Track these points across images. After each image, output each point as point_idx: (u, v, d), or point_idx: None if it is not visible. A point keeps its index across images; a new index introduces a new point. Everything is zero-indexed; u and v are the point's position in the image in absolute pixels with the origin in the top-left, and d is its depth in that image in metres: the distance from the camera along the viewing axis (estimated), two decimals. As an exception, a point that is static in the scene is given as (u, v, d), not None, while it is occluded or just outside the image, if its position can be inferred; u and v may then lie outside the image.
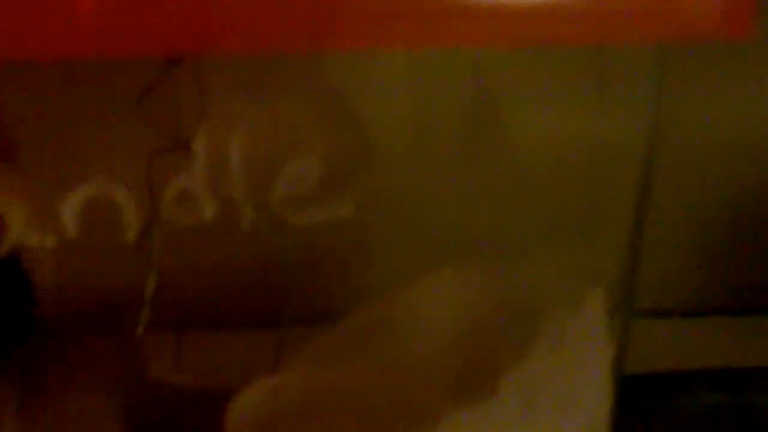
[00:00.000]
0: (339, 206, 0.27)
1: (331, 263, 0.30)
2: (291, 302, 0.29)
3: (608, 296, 0.28)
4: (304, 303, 0.30)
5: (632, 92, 0.29)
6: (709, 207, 0.51)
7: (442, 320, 0.30)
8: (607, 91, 0.28)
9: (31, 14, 0.20)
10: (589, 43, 0.25)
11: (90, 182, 0.24)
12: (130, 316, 0.26)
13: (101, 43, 0.20)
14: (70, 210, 0.24)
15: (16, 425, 0.27)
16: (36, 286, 0.27)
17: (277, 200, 0.26)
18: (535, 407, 0.27)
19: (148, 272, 0.26)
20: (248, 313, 0.30)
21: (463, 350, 0.30)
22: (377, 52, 0.25)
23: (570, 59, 0.28)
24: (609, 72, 0.28)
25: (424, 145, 0.30)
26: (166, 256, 0.26)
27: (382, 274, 0.30)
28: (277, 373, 0.28)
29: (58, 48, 0.20)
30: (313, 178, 0.27)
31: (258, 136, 0.27)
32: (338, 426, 0.28)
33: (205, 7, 0.20)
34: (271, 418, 0.28)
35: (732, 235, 0.50)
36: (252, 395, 0.28)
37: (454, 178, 0.30)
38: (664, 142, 0.29)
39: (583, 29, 0.23)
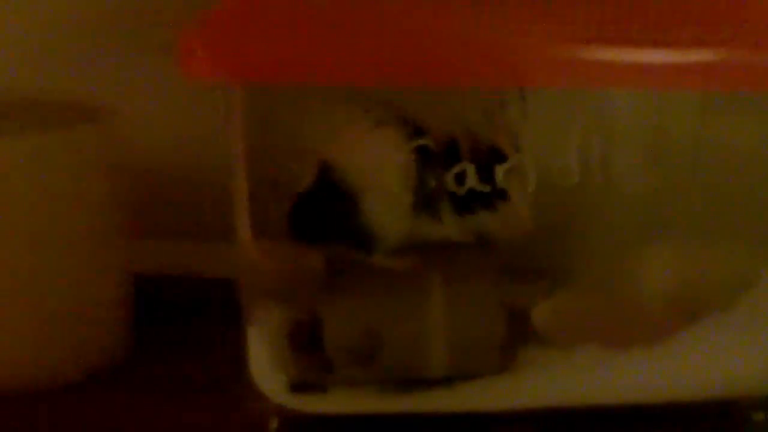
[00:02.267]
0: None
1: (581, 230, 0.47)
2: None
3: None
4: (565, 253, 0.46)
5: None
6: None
7: (659, 276, 0.46)
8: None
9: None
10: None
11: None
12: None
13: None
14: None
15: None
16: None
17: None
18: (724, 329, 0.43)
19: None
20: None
21: (672, 297, 0.46)
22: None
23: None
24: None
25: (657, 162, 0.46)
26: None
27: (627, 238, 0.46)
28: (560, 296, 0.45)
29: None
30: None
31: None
32: (594, 331, 0.44)
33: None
34: (558, 321, 0.44)
35: None
36: (544, 307, 0.44)
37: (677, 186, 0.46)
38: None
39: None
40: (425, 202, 0.41)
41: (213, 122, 0.48)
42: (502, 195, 0.40)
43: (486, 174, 0.40)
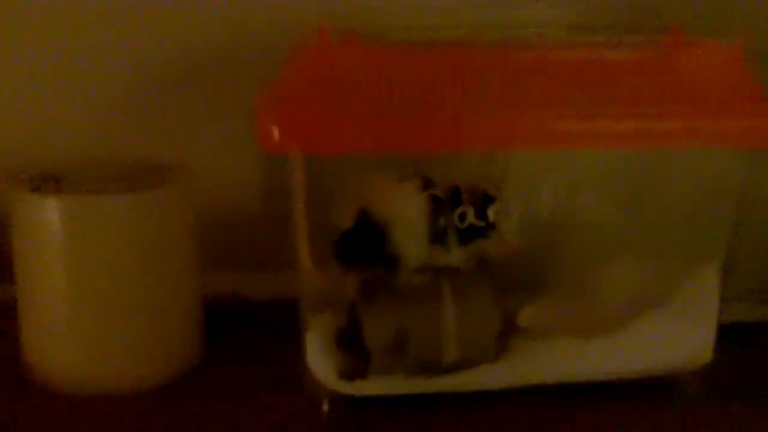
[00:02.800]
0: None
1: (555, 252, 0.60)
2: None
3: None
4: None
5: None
6: None
7: (623, 285, 0.60)
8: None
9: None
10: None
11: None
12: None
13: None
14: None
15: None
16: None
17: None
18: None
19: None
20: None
21: (625, 299, 0.60)
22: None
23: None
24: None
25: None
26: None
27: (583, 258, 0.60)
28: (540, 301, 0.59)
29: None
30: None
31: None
32: (566, 326, 0.58)
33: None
34: (538, 320, 0.58)
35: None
36: (528, 311, 0.59)
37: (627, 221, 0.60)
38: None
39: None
40: (437, 235, 0.55)
41: (274, 177, 0.62)
42: (492, 227, 0.55)
43: (481, 213, 0.54)
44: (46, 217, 0.58)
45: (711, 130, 0.52)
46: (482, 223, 0.54)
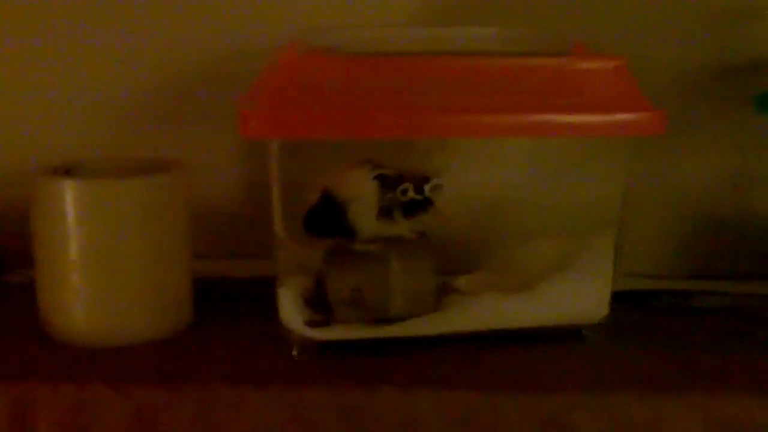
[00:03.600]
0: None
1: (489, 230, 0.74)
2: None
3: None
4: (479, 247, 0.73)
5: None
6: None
7: (539, 258, 0.74)
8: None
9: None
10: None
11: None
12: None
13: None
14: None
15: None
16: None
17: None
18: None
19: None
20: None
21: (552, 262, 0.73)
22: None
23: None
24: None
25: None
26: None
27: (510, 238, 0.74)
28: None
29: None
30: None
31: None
32: (494, 285, 0.72)
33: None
34: (472, 284, 0.72)
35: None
36: (463, 278, 0.72)
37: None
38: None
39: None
40: (385, 210, 0.68)
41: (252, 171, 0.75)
42: (430, 202, 0.68)
43: (419, 189, 0.67)
44: (63, 198, 0.70)
45: (602, 122, 0.66)
46: (420, 197, 0.67)
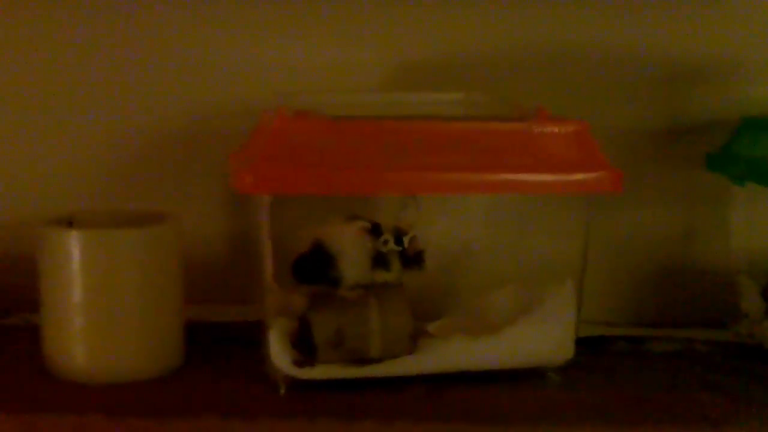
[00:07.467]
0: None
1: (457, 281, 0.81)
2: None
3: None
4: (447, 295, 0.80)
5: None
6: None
7: (504, 304, 0.80)
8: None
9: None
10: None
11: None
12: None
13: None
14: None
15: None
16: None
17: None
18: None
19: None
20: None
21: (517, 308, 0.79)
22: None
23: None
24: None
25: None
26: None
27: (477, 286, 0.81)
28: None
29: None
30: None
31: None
32: (462, 329, 0.78)
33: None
34: (445, 329, 0.78)
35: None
36: (437, 322, 0.79)
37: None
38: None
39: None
40: (380, 260, 0.74)
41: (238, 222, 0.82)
42: (421, 255, 0.75)
43: (398, 241, 0.74)
44: (68, 247, 0.76)
45: (563, 181, 0.73)
46: (399, 248, 0.74)
